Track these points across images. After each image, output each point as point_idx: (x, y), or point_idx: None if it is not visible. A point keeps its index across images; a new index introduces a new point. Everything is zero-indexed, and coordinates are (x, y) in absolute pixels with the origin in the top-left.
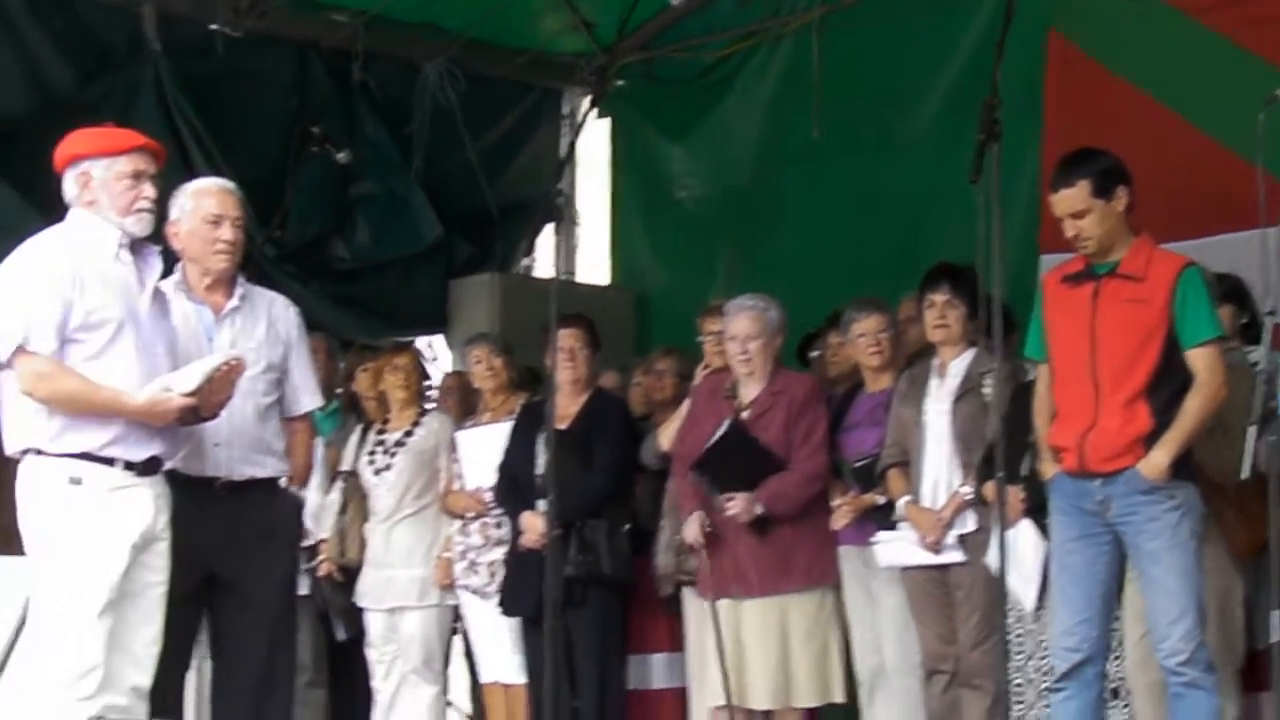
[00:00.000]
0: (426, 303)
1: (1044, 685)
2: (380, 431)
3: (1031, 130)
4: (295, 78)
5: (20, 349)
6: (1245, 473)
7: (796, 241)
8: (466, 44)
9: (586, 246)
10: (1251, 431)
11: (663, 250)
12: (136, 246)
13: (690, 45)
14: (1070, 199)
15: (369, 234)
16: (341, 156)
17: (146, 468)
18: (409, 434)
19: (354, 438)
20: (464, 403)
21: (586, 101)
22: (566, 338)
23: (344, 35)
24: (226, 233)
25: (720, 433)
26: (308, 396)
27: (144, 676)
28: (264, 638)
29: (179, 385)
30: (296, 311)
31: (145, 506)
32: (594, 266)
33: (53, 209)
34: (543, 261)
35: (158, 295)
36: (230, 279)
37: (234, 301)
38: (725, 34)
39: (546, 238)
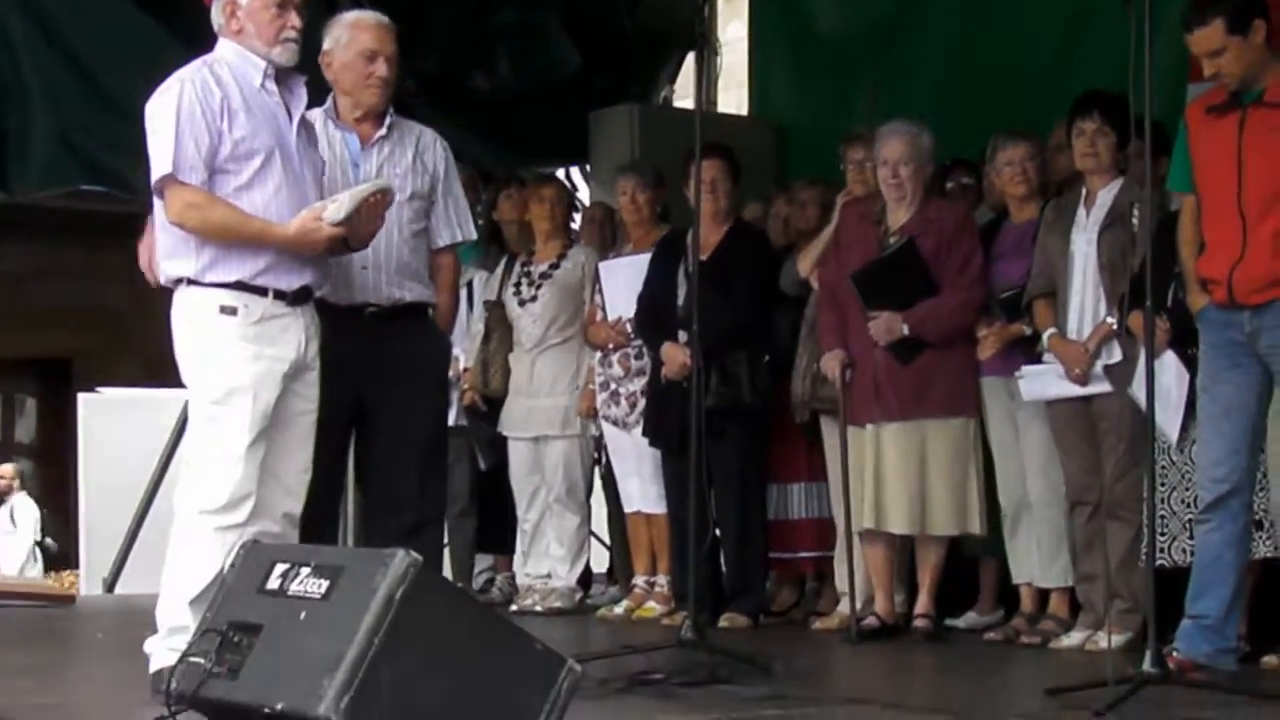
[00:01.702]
0: (566, 134)
1: (1188, 517)
2: (526, 263)
3: None
4: None
5: (171, 179)
6: None
7: (939, 73)
8: None
9: (726, 77)
10: None
11: (803, 81)
12: (283, 76)
13: None
14: (1207, 38)
15: (508, 65)
16: None
17: (298, 297)
18: (555, 266)
19: (499, 268)
20: (607, 233)
21: None
22: (707, 169)
23: None
24: (381, 68)
25: (892, 249)
26: (453, 229)
27: (296, 504)
28: (414, 467)
29: (329, 214)
30: (445, 145)
31: (296, 335)
32: (733, 97)
33: (195, 40)
34: (682, 92)
35: (304, 125)
36: (381, 112)
37: (381, 131)
38: None
39: (686, 68)
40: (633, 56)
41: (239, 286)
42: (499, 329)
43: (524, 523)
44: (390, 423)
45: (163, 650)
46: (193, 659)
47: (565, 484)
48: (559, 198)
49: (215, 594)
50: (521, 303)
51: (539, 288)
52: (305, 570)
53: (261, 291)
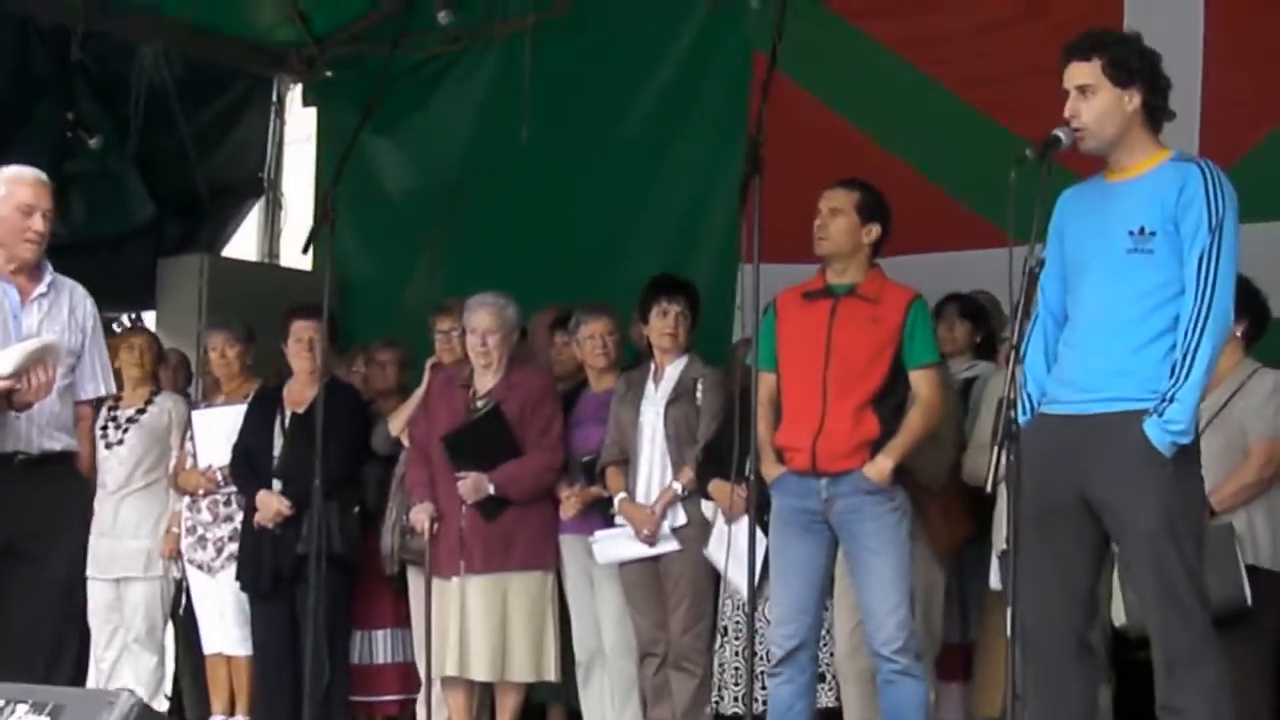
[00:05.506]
0: (135, 281)
1: (760, 669)
2: (113, 407)
3: (734, 144)
4: (14, 52)
5: None
6: (990, 486)
7: (501, 241)
8: (186, 29)
9: (290, 232)
10: (995, 451)
11: (367, 239)
12: None
13: (401, 42)
14: (837, 197)
15: (82, 210)
16: (93, 142)
17: None
18: (142, 411)
19: None
20: (180, 379)
21: (296, 89)
22: (305, 329)
23: (65, 13)
24: (38, 223)
25: (479, 413)
26: (97, 383)
27: None
28: (53, 609)
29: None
30: (93, 302)
31: None
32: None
33: None
34: (244, 244)
35: None
36: (34, 266)
37: (42, 288)
38: (435, 34)
39: (252, 221)
40: (204, 207)
41: None
42: None
43: (101, 662)
44: (32, 567)
45: None
46: None
47: (145, 624)
48: (149, 346)
49: None
50: (109, 445)
51: (126, 431)
52: (23, 707)
53: None
